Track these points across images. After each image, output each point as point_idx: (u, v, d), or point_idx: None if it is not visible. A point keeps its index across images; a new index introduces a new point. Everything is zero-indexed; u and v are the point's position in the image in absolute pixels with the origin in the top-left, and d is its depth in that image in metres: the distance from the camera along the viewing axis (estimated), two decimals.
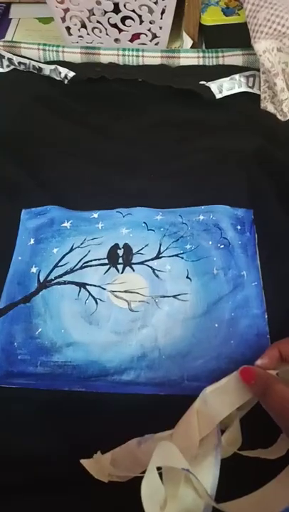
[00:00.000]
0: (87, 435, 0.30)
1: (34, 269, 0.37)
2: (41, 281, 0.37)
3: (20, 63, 0.49)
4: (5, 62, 0.49)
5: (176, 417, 0.27)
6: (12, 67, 0.50)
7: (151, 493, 0.25)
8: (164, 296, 0.36)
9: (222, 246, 0.38)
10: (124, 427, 0.29)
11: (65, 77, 0.47)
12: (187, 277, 0.37)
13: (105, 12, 0.47)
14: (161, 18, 0.48)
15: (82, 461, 0.28)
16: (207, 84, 0.47)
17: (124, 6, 0.46)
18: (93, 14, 0.48)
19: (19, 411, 0.31)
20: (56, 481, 0.29)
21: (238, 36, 0.49)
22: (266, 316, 0.34)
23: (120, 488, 0.27)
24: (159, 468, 0.25)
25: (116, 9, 0.47)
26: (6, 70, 0.50)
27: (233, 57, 0.50)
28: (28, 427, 0.30)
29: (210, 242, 0.39)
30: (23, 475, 0.29)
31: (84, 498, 0.28)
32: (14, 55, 0.49)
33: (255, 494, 0.25)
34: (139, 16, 0.48)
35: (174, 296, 0.36)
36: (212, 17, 0.50)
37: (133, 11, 0.47)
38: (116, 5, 0.47)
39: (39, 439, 0.30)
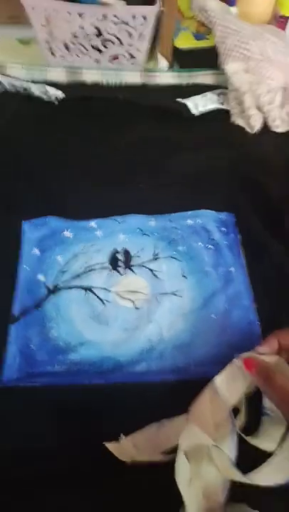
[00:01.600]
0: (109, 423, 0.32)
1: (41, 277, 0.40)
2: (49, 287, 0.39)
3: (10, 84, 0.51)
4: None
5: (187, 399, 0.31)
6: (3, 90, 0.52)
7: (182, 472, 0.28)
8: (164, 294, 0.40)
9: (211, 246, 0.43)
10: (141, 412, 0.32)
11: (55, 98, 0.50)
12: (183, 276, 0.41)
13: (88, 35, 0.51)
14: (139, 42, 0.52)
15: (106, 444, 0.30)
16: (183, 101, 0.52)
17: (106, 30, 0.50)
18: (76, 37, 0.52)
19: (42, 408, 0.33)
20: (78, 474, 0.31)
21: (208, 58, 0.54)
22: (255, 306, 0.39)
23: (129, 483, 0.30)
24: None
25: (98, 33, 0.51)
26: None
27: (204, 77, 0.55)
28: (51, 423, 0.32)
29: (200, 243, 0.43)
30: (47, 468, 0.31)
31: (103, 489, 0.30)
32: (2, 74, 0.51)
33: (271, 460, 0.29)
34: (119, 39, 0.52)
35: (173, 293, 0.40)
36: (184, 41, 0.55)
37: (114, 34, 0.51)
38: (98, 29, 0.50)
39: (63, 433, 0.32)
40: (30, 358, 0.35)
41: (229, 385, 0.30)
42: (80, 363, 0.35)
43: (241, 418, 0.32)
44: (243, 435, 0.31)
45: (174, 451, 0.29)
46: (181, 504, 0.28)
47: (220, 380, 0.30)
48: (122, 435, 0.31)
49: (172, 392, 0.34)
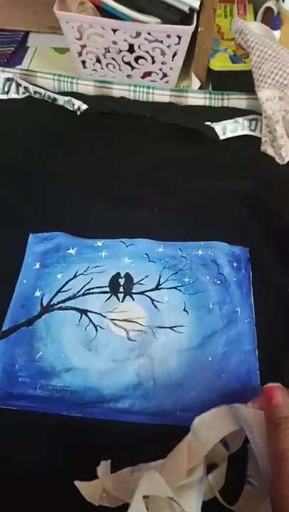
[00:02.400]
0: (82, 460, 0.31)
1: (38, 293, 0.39)
2: (44, 305, 0.38)
3: (35, 92, 0.51)
4: (21, 90, 0.52)
5: (169, 446, 0.29)
6: (27, 94, 0.52)
7: None
8: (161, 327, 0.38)
9: (218, 281, 0.40)
10: (118, 454, 0.30)
11: (78, 108, 0.49)
12: (184, 310, 0.39)
13: (120, 51, 0.50)
14: (172, 60, 0.51)
15: (76, 482, 0.29)
16: (212, 125, 0.50)
17: (139, 47, 0.49)
18: (109, 52, 0.51)
19: (17, 433, 0.32)
20: (53, 501, 0.30)
21: (243, 82, 0.52)
22: (257, 353, 0.36)
23: None
24: (146, 497, 0.26)
25: (130, 49, 0.50)
26: (22, 96, 0.52)
27: (237, 101, 0.53)
28: (28, 447, 0.31)
29: (207, 277, 0.41)
30: (20, 496, 0.30)
31: None
32: (30, 83, 0.51)
33: None
34: (152, 57, 0.51)
35: (171, 328, 0.38)
36: (220, 63, 0.53)
37: (146, 52, 0.50)
38: (131, 45, 0.50)
39: (36, 462, 0.31)
40: (12, 377, 0.34)
41: (208, 427, 0.28)
42: (62, 390, 0.34)
43: (220, 477, 0.30)
44: (224, 503, 0.28)
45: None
46: None
47: (198, 420, 0.28)
48: (98, 469, 0.29)
49: (153, 436, 0.32)
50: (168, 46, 0.49)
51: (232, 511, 0.28)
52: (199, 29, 0.49)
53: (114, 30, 0.47)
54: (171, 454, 0.28)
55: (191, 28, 0.46)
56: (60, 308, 0.38)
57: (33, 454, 0.31)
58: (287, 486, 0.23)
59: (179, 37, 0.47)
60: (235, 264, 0.41)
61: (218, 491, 0.29)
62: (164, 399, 0.34)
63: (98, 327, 0.37)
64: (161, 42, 0.48)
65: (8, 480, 0.30)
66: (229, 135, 0.50)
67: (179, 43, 0.48)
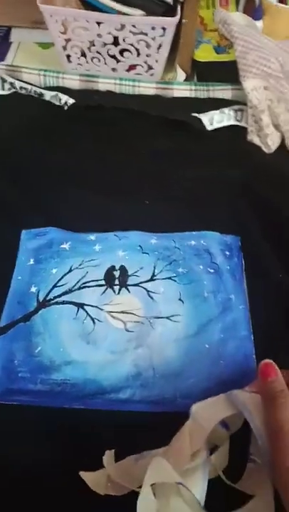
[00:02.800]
0: (85, 451, 0.31)
1: (33, 289, 0.39)
2: (40, 300, 0.38)
3: (21, 88, 0.50)
4: (6, 86, 0.51)
5: (171, 432, 0.29)
6: (13, 90, 0.51)
7: (146, 508, 0.26)
8: (158, 317, 0.38)
9: (212, 270, 0.41)
10: (121, 442, 0.30)
11: (65, 103, 0.49)
12: (179, 299, 0.39)
13: (105, 44, 0.50)
14: (157, 53, 0.51)
15: (81, 473, 0.29)
16: (199, 116, 0.50)
17: (124, 39, 0.49)
18: (93, 45, 0.51)
19: (19, 428, 0.32)
20: (52, 498, 0.30)
21: (228, 72, 0.52)
22: (252, 338, 0.37)
23: (114, 504, 0.28)
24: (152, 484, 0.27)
25: (115, 42, 0.50)
26: (7, 92, 0.52)
27: (222, 91, 0.53)
28: (28, 444, 0.31)
29: (201, 267, 0.41)
30: (21, 492, 0.30)
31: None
32: (16, 79, 0.51)
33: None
34: (137, 50, 0.51)
35: (168, 318, 0.38)
36: (204, 54, 0.53)
37: (131, 44, 0.50)
38: (115, 38, 0.49)
39: (38, 456, 0.31)
40: (12, 373, 0.34)
41: (207, 411, 0.29)
42: (63, 383, 0.34)
43: (223, 457, 0.30)
44: (228, 482, 0.29)
45: None
46: None
47: (196, 406, 0.29)
48: (105, 461, 0.30)
49: (155, 423, 0.32)
50: (153, 38, 0.49)
51: (235, 489, 0.29)
52: (183, 21, 0.49)
53: (99, 23, 0.47)
54: (173, 440, 0.29)
55: (176, 19, 0.46)
56: (57, 303, 0.38)
57: (35, 447, 0.31)
58: (286, 458, 0.23)
59: (164, 29, 0.48)
60: (227, 253, 0.42)
61: (221, 470, 0.29)
62: (163, 387, 0.34)
63: (96, 320, 0.37)
64: (146, 34, 0.48)
65: (10, 474, 0.30)
66: (216, 126, 0.51)
67: (163, 35, 0.48)
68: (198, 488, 0.27)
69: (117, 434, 0.31)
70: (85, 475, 0.29)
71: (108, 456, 0.30)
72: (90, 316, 0.38)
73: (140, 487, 0.27)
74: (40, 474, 0.30)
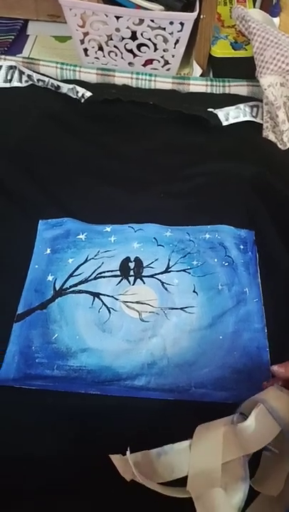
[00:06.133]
0: (100, 436, 0.32)
1: (50, 278, 0.39)
2: (57, 289, 0.39)
3: (39, 80, 0.51)
4: (24, 78, 0.52)
5: (185, 420, 0.29)
6: (30, 82, 0.52)
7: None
8: (173, 308, 0.39)
9: (226, 264, 0.41)
10: (136, 429, 0.31)
11: (82, 96, 0.49)
12: (194, 291, 0.40)
13: (123, 38, 0.51)
14: (174, 48, 0.51)
15: (111, 456, 0.28)
16: (215, 112, 0.51)
17: (142, 34, 0.49)
18: (111, 39, 0.51)
19: (36, 412, 0.33)
20: (67, 483, 0.30)
21: (244, 68, 0.52)
22: (266, 331, 0.37)
23: (124, 492, 0.28)
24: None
25: (133, 36, 0.50)
26: (25, 84, 0.52)
27: (238, 87, 0.54)
28: (43, 426, 0.32)
29: (215, 260, 0.42)
30: (37, 476, 0.30)
31: (94, 501, 0.30)
32: (33, 71, 0.51)
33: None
34: (154, 44, 0.51)
35: (182, 309, 0.39)
36: (221, 50, 0.54)
37: (149, 39, 0.50)
38: (133, 33, 0.50)
39: (53, 439, 0.32)
40: (29, 359, 0.35)
41: (255, 433, 0.28)
42: (79, 370, 0.35)
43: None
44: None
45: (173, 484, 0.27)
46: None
47: (247, 424, 0.28)
48: (128, 451, 0.29)
49: (169, 411, 0.33)
50: (170, 33, 0.49)
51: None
52: (201, 16, 0.49)
53: (118, 17, 0.48)
54: (200, 439, 0.28)
55: (194, 14, 0.47)
56: (73, 292, 0.39)
57: (52, 431, 0.32)
58: None
59: (182, 24, 0.48)
60: (242, 247, 0.42)
61: None
62: (178, 376, 0.35)
63: (111, 309, 0.38)
64: (164, 29, 0.49)
65: (25, 455, 0.31)
66: (232, 121, 0.51)
67: (181, 30, 0.49)
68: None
69: (133, 420, 0.32)
70: (115, 458, 0.28)
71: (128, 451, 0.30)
72: (105, 305, 0.38)
73: (161, 483, 0.27)
74: (62, 454, 0.31)
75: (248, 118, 0.52)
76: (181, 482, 0.27)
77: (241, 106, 0.52)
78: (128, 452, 0.28)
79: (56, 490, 0.30)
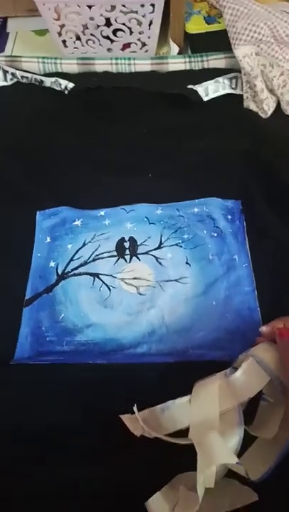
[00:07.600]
0: (110, 401, 0.35)
1: (52, 264, 0.43)
2: (59, 273, 0.42)
3: (23, 77, 0.53)
4: (8, 76, 0.54)
5: (185, 379, 0.33)
6: (15, 80, 0.54)
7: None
8: (168, 281, 0.41)
9: (215, 234, 0.44)
10: (141, 391, 0.34)
11: (65, 88, 0.51)
12: (186, 263, 0.42)
13: (98, 26, 0.52)
14: (149, 29, 0.52)
15: (122, 416, 0.32)
16: (194, 88, 0.52)
17: (116, 20, 0.51)
18: (87, 28, 0.53)
19: (51, 384, 0.36)
20: (80, 449, 0.33)
21: (220, 41, 0.53)
22: (256, 293, 0.40)
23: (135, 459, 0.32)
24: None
25: (108, 23, 0.52)
26: (10, 83, 0.54)
27: (216, 61, 0.54)
28: (58, 396, 0.35)
29: (205, 232, 0.44)
30: (57, 445, 0.33)
31: (106, 466, 0.32)
32: (16, 69, 0.53)
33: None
34: (129, 28, 0.52)
35: (176, 280, 0.41)
36: (195, 25, 0.54)
37: (123, 24, 0.51)
38: (108, 19, 0.51)
39: (69, 405, 0.35)
40: (40, 338, 0.39)
41: (245, 383, 0.31)
42: (86, 343, 0.38)
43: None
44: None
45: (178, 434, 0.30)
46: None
47: (238, 375, 0.31)
48: (135, 408, 0.32)
49: (170, 372, 0.36)
50: (143, 15, 0.50)
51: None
52: None
53: (90, 7, 0.49)
54: (199, 393, 0.31)
55: None
56: (75, 275, 0.42)
57: (69, 398, 0.35)
58: None
59: (153, 5, 0.49)
60: (229, 217, 0.45)
61: None
62: (176, 341, 0.38)
63: (111, 287, 0.41)
64: (136, 12, 0.50)
65: (42, 424, 0.34)
66: (212, 96, 0.52)
67: (153, 11, 0.50)
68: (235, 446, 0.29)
69: (138, 383, 0.35)
70: (125, 417, 0.32)
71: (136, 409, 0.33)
72: (105, 284, 0.41)
73: (167, 435, 0.31)
74: (75, 419, 0.34)
75: (228, 91, 0.53)
76: (183, 434, 0.31)
77: (220, 79, 0.53)
78: (136, 410, 0.31)
79: (72, 458, 0.33)
